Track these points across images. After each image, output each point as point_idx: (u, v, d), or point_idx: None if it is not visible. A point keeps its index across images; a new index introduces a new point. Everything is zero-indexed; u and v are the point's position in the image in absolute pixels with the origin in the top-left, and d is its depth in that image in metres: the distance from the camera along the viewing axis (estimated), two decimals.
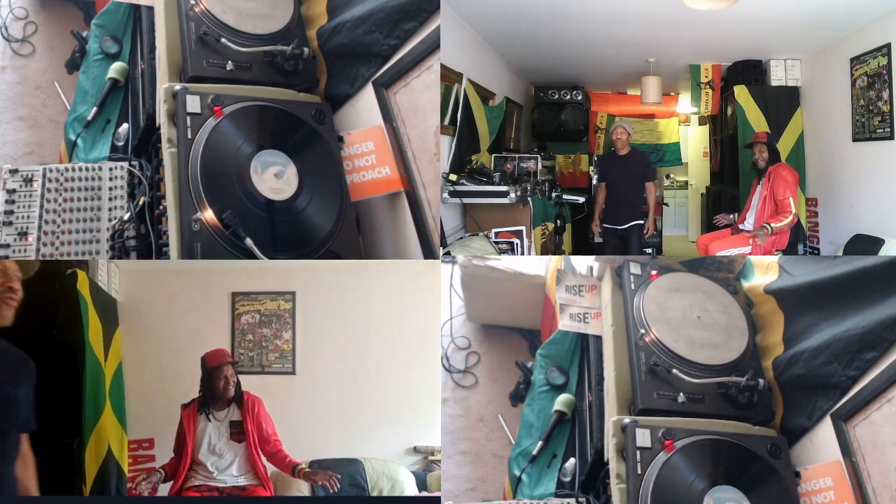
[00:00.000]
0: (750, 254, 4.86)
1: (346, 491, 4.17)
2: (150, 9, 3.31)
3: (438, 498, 3.76)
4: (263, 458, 3.67)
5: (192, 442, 3.60)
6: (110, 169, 3.32)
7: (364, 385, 4.60)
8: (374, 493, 4.19)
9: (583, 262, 3.69)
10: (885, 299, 2.90)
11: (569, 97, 8.23)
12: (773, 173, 4.98)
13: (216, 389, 3.64)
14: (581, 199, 6.84)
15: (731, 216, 5.57)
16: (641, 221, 6.05)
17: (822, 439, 2.95)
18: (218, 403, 3.67)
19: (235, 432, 3.64)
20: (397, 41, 3.24)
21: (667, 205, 9.02)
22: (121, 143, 3.44)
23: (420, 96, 3.22)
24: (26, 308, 3.39)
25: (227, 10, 3.20)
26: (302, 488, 4.15)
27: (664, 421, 2.91)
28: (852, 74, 5.33)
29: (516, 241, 4.97)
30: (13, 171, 3.26)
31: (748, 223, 5.18)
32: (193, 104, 2.90)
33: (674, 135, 8.88)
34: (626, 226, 6.04)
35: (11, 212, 3.21)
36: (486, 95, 6.14)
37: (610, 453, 2.90)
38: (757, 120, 6.41)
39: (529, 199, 5.20)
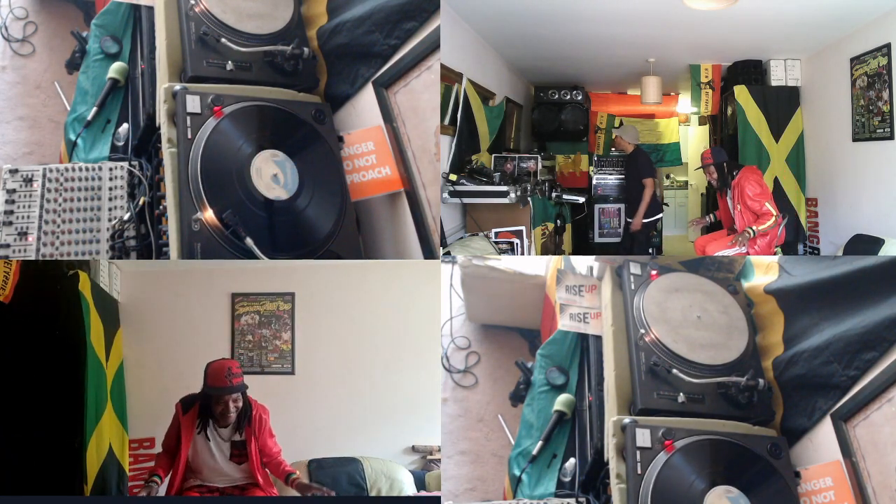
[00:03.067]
0: (748, 254, 4.87)
1: (345, 490, 4.18)
2: (150, 9, 3.31)
3: (438, 498, 3.76)
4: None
5: (186, 453, 3.34)
6: (110, 169, 3.32)
7: (363, 385, 4.60)
8: (373, 493, 4.19)
9: (583, 262, 3.69)
10: (885, 299, 2.90)
11: (569, 97, 8.23)
12: (737, 188, 5.00)
13: (214, 412, 3.32)
14: (581, 199, 6.86)
15: (707, 217, 5.59)
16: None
17: (822, 439, 2.95)
18: (221, 423, 3.37)
19: (237, 454, 3.37)
20: (397, 41, 3.24)
21: (667, 205, 9.03)
22: (121, 143, 3.44)
23: (420, 96, 3.22)
24: (29, 309, 3.42)
25: (227, 10, 3.20)
26: None
27: (664, 421, 2.91)
28: (852, 74, 5.33)
29: (516, 241, 4.96)
30: (13, 171, 3.26)
31: (743, 231, 5.17)
32: (193, 104, 2.90)
33: (674, 135, 8.88)
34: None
35: (11, 212, 3.21)
36: (486, 95, 6.14)
37: (610, 453, 2.90)
38: (757, 120, 6.41)
39: (529, 199, 5.20)
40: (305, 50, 3.22)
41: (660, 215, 6.99)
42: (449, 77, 5.01)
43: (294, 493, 3.47)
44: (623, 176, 7.63)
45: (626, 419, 2.90)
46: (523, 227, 5.02)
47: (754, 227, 4.85)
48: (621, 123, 8.69)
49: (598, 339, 3.47)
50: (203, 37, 3.08)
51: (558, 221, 6.09)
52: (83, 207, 3.28)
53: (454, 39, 5.13)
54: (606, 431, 3.00)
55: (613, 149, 8.52)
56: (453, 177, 4.86)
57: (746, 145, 6.43)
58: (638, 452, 2.80)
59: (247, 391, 3.39)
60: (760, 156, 6.31)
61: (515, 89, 7.55)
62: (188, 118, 2.88)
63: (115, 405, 4.03)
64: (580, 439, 3.40)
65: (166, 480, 3.41)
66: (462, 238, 4.83)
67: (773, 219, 4.86)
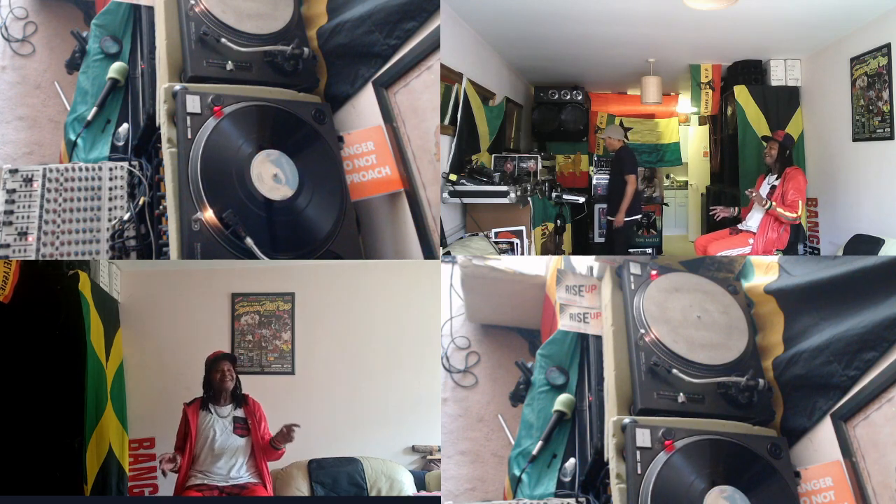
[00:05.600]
0: (750, 254, 4.87)
1: (345, 490, 4.18)
2: (150, 9, 3.31)
3: (438, 498, 3.76)
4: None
5: (195, 436, 3.61)
6: (110, 169, 3.32)
7: (363, 385, 4.60)
8: (373, 493, 4.19)
9: (583, 262, 3.69)
10: (885, 299, 2.90)
11: (569, 97, 8.23)
12: (789, 175, 5.05)
13: (213, 382, 3.69)
14: (581, 199, 6.85)
15: (732, 209, 5.59)
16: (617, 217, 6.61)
17: (822, 439, 2.95)
18: (220, 400, 3.71)
19: (239, 427, 3.68)
20: (397, 41, 3.24)
21: (667, 205, 9.03)
22: (121, 143, 3.44)
23: (420, 96, 3.22)
24: (29, 309, 3.42)
25: (228, 10, 3.20)
26: (302, 488, 4.16)
27: (664, 421, 2.91)
28: (852, 74, 5.33)
29: (516, 241, 4.96)
30: (13, 171, 3.26)
31: (750, 223, 5.19)
32: (193, 104, 2.90)
33: (674, 135, 8.88)
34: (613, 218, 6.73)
35: (11, 212, 3.21)
36: (486, 95, 6.14)
37: (610, 453, 2.90)
38: (757, 120, 6.41)
39: (529, 199, 5.20)
40: (305, 50, 3.22)
41: (638, 216, 6.92)
42: (449, 77, 5.01)
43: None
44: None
45: (626, 419, 2.90)
46: (523, 227, 5.02)
47: (775, 204, 4.92)
48: (621, 123, 8.70)
49: (598, 339, 3.47)
50: (203, 37, 3.08)
51: (558, 221, 6.09)
52: (83, 207, 3.28)
53: (454, 39, 5.13)
54: (606, 431, 3.00)
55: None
56: (453, 177, 4.87)
57: (746, 145, 6.43)
58: (638, 452, 2.80)
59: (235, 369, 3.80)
60: (760, 156, 6.32)
61: (515, 89, 7.55)
62: (188, 118, 2.87)
63: (115, 405, 4.03)
64: (580, 439, 3.40)
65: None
66: (462, 238, 4.83)
67: (794, 215, 4.93)
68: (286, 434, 3.58)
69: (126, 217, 3.24)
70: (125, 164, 3.32)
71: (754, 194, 5.05)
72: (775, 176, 5.15)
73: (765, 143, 5.41)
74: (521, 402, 3.68)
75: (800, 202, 4.94)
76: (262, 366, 4.65)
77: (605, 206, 7.80)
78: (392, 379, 4.58)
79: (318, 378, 4.63)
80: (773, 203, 4.94)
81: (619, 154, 6.80)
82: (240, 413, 3.71)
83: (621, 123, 8.69)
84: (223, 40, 3.11)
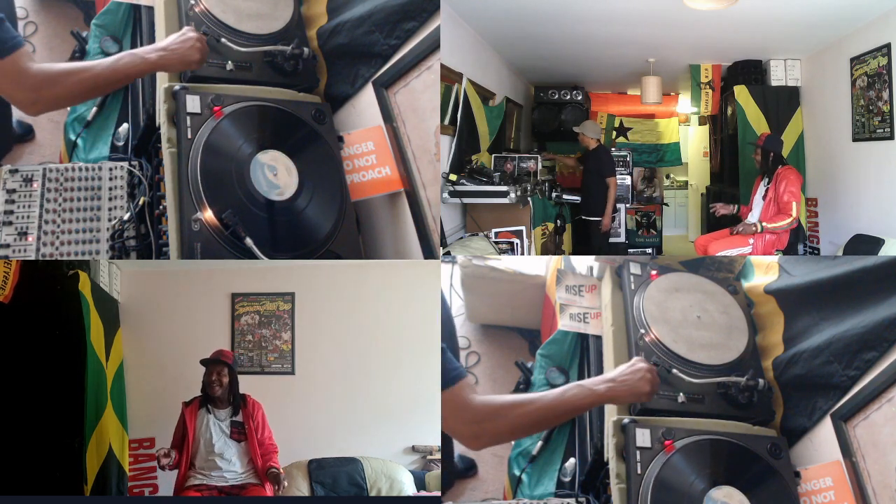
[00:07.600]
0: (750, 254, 4.87)
1: (345, 490, 4.18)
2: (150, 9, 3.31)
3: (438, 497, 3.76)
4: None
5: (192, 438, 3.64)
6: (110, 169, 3.31)
7: (363, 385, 4.60)
8: (373, 493, 4.19)
9: (583, 262, 3.69)
10: (885, 299, 2.89)
11: (569, 97, 8.23)
12: (780, 176, 5.05)
13: (205, 384, 3.72)
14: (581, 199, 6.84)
15: (732, 206, 5.58)
16: (599, 218, 6.43)
17: (822, 439, 2.95)
18: (218, 402, 3.72)
19: (236, 432, 3.69)
20: (397, 41, 3.23)
21: (667, 205, 9.02)
22: (121, 143, 3.44)
23: (420, 96, 3.22)
24: (29, 309, 3.42)
25: (228, 11, 3.20)
26: (302, 488, 4.16)
27: (664, 421, 2.91)
28: (852, 74, 5.33)
29: (516, 241, 4.96)
30: (13, 171, 3.26)
31: (749, 222, 5.19)
32: (193, 104, 2.90)
33: (674, 135, 8.88)
34: (591, 219, 6.54)
35: (11, 212, 3.21)
36: (486, 95, 6.14)
37: (610, 453, 2.90)
38: (757, 120, 6.41)
39: (529, 199, 5.20)
40: (305, 50, 3.21)
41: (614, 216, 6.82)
42: (449, 77, 5.01)
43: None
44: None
45: (626, 419, 2.90)
46: (523, 227, 5.03)
47: (765, 223, 4.90)
48: (621, 123, 8.69)
49: (598, 339, 3.47)
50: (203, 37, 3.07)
51: (558, 221, 6.09)
52: (83, 207, 3.28)
53: (454, 39, 5.13)
54: (606, 431, 2.99)
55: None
56: (453, 177, 4.87)
57: (746, 145, 6.43)
58: (638, 452, 2.80)
59: (235, 372, 3.80)
60: None
61: (515, 89, 7.55)
62: (188, 118, 2.87)
63: (115, 405, 4.04)
64: (580, 439, 3.40)
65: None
66: (462, 238, 4.83)
67: (789, 221, 4.92)
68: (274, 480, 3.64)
69: (126, 217, 3.23)
70: (125, 164, 3.31)
71: (741, 229, 5.00)
72: (767, 179, 5.15)
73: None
74: None
75: (793, 203, 4.93)
76: (262, 366, 4.65)
77: None
78: (392, 379, 4.58)
79: (318, 378, 4.63)
80: (764, 224, 4.93)
81: (595, 153, 6.56)
82: (238, 418, 3.72)
83: (621, 123, 8.69)
84: (223, 40, 3.11)
